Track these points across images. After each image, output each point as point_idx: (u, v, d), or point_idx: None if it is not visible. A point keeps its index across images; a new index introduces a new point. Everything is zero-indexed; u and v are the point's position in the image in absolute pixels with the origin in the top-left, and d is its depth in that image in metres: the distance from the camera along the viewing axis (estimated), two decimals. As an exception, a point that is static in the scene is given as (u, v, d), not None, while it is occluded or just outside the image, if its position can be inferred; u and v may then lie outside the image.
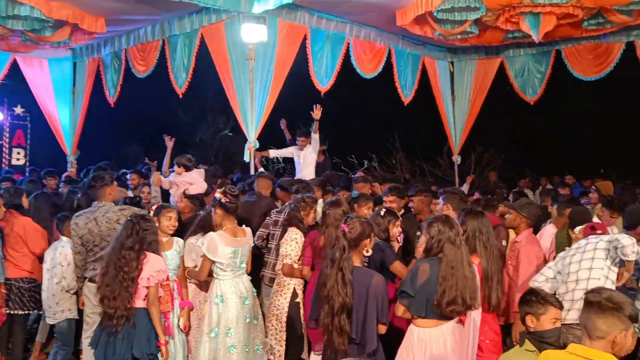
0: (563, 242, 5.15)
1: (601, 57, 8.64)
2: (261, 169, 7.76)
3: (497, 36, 8.18)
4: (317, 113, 8.27)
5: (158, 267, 4.05)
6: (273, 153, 8.67)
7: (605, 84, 9.37)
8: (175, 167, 6.32)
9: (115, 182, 5.01)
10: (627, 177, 11.09)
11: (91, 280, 4.59)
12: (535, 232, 5.46)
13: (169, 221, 4.63)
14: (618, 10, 6.73)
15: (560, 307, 3.24)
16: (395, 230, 4.54)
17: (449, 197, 5.11)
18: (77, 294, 4.85)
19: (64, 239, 4.97)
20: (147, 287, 4.00)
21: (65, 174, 8.51)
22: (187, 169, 6.26)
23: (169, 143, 7.10)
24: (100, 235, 4.58)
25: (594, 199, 7.59)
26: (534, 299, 3.25)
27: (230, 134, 19.24)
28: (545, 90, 9.53)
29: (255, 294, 4.65)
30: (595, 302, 2.50)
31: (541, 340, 3.18)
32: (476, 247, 4.05)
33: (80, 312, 4.85)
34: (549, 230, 5.58)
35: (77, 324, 4.98)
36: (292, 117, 9.19)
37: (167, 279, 4.24)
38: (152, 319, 4.07)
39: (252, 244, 4.63)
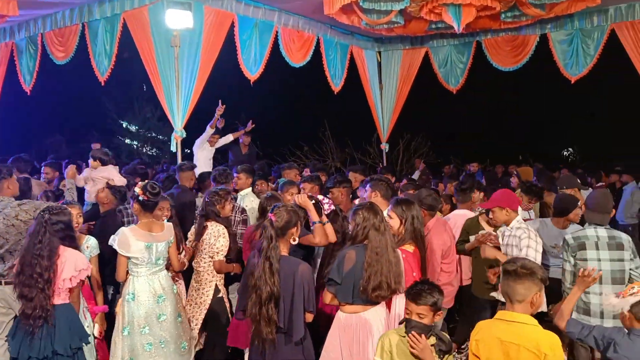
0: (472, 228, 5.32)
1: (518, 48, 9.07)
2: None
3: (422, 27, 8.40)
4: (250, 127, 8.62)
5: (80, 265, 3.86)
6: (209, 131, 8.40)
7: (521, 75, 9.84)
8: (91, 161, 6.04)
9: (14, 176, 4.70)
10: (542, 163, 11.77)
11: None
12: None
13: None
14: (532, 4, 7.07)
15: (414, 302, 3.19)
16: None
17: (376, 184, 5.20)
18: None
19: None
20: (70, 288, 3.85)
21: None
22: (103, 162, 6.04)
23: None
24: None
25: (514, 184, 8.01)
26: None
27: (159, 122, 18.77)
28: (466, 79, 9.91)
29: (176, 291, 4.45)
30: (512, 270, 2.87)
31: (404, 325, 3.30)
32: (415, 235, 4.13)
33: None
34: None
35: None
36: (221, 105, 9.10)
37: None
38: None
39: (171, 240, 4.37)
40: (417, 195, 5.22)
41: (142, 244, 4.17)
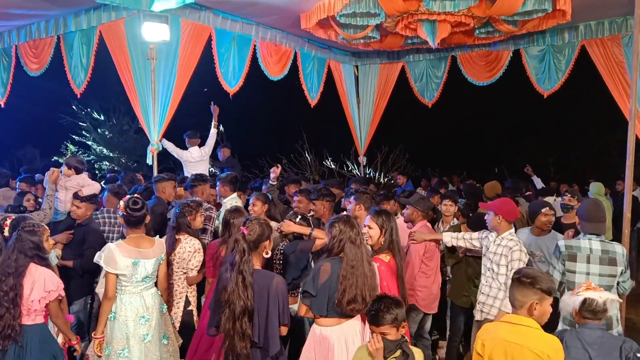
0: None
1: (492, 63, 9.23)
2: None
3: (398, 42, 8.50)
4: (216, 113, 8.75)
5: (49, 286, 3.76)
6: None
7: (495, 89, 9.99)
8: (65, 169, 5.91)
9: None
10: (517, 175, 11.95)
11: None
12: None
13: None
14: (505, 21, 7.22)
15: (374, 324, 3.25)
16: None
17: (360, 197, 5.25)
18: None
19: None
20: (45, 306, 3.78)
21: None
22: (78, 171, 5.95)
23: None
24: None
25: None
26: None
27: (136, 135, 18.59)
28: (441, 93, 10.05)
29: (165, 310, 4.26)
30: (516, 278, 3.08)
31: None
32: (392, 246, 4.15)
33: None
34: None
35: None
36: (201, 118, 9.10)
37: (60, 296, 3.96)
38: (59, 330, 3.92)
39: (162, 257, 4.22)
40: (413, 198, 5.42)
41: (128, 261, 4.01)
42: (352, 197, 5.32)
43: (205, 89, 8.71)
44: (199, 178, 6.12)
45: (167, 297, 4.42)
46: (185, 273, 4.63)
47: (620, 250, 4.20)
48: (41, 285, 3.74)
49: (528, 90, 9.10)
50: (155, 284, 4.28)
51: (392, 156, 14.94)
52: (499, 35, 8.06)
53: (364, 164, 11.50)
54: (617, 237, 6.94)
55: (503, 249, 4.58)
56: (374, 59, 10.54)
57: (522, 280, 3.05)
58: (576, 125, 17.49)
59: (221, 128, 8.78)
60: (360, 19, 7.06)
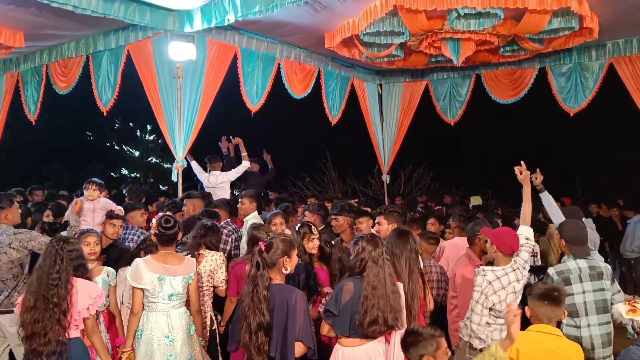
0: None
1: (517, 81, 9.14)
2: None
3: (422, 60, 8.48)
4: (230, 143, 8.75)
5: (94, 293, 3.79)
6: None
7: (520, 107, 9.89)
8: (91, 191, 5.86)
9: (15, 205, 4.78)
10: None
11: None
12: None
13: (87, 247, 4.41)
14: (530, 39, 7.17)
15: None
16: (311, 245, 4.52)
17: (390, 215, 5.07)
18: None
19: None
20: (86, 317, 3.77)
21: None
22: (101, 191, 6.02)
23: None
24: None
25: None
26: (420, 339, 3.08)
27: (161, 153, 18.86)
28: (465, 111, 9.98)
29: (192, 332, 4.13)
30: (546, 295, 3.31)
31: None
32: (401, 268, 4.04)
33: None
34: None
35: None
36: (222, 136, 9.18)
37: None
38: (95, 349, 3.85)
39: (192, 276, 4.11)
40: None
41: (153, 276, 3.98)
42: (383, 218, 5.18)
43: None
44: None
45: (200, 319, 4.33)
46: (215, 288, 4.65)
47: (603, 264, 4.33)
48: (86, 293, 3.74)
49: (553, 108, 8.97)
50: (187, 305, 4.22)
51: (415, 174, 14.84)
52: (524, 53, 7.99)
53: (388, 182, 11.43)
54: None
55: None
56: (397, 77, 10.53)
57: (555, 296, 3.29)
58: (603, 142, 17.17)
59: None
60: (384, 38, 7.07)
